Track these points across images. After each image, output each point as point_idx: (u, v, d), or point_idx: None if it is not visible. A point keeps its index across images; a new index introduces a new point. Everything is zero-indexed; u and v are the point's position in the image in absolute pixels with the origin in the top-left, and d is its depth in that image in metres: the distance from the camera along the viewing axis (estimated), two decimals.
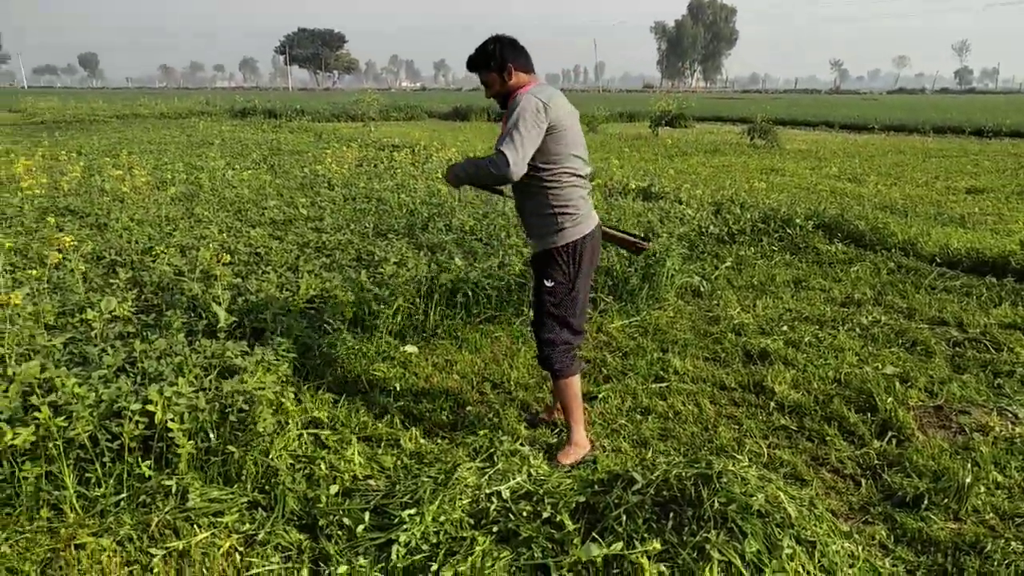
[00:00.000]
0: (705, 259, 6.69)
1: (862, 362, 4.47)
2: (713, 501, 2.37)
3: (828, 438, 3.56)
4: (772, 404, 3.93)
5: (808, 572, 2.27)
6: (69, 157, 11.91)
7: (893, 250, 7.16)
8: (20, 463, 2.81)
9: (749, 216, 7.68)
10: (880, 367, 4.36)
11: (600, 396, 4.01)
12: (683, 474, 2.51)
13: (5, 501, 2.78)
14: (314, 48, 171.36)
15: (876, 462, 3.34)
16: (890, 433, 3.57)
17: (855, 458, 3.38)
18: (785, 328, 5.08)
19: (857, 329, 5.06)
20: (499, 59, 3.07)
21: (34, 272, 4.67)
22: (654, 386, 4.17)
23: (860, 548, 2.62)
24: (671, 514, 2.41)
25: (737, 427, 3.71)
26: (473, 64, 3.16)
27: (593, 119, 24.46)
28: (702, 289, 5.93)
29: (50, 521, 2.78)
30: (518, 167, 2.85)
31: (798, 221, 7.57)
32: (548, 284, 3.19)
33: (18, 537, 2.66)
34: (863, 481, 3.20)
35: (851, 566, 2.44)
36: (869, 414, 3.78)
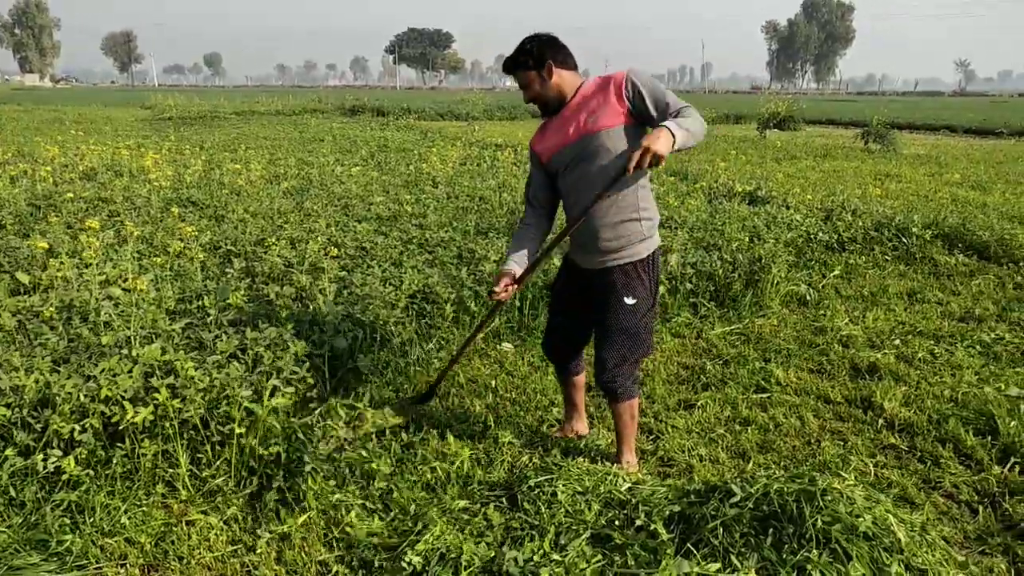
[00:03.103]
0: (813, 267, 6.45)
1: (982, 381, 4.20)
2: (816, 519, 2.28)
3: (942, 460, 3.37)
4: (880, 421, 3.76)
5: None
6: (192, 151, 12.60)
7: (1021, 263, 6.71)
8: (140, 440, 2.99)
9: (861, 223, 7.35)
10: (1003, 388, 4.08)
11: (698, 404, 3.94)
12: (784, 489, 2.43)
13: (125, 475, 2.96)
14: (422, 48, 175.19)
15: (996, 489, 3.14)
16: (1013, 459, 3.34)
17: (972, 484, 3.19)
18: (897, 342, 4.84)
19: (978, 346, 4.77)
20: (537, 56, 2.81)
21: (158, 259, 4.96)
22: (755, 396, 4.06)
23: None
24: (770, 530, 2.33)
25: (842, 443, 3.56)
26: (510, 65, 2.91)
27: None
28: (808, 298, 5.72)
29: (164, 497, 2.96)
30: None
31: (915, 230, 7.18)
32: (630, 302, 2.88)
33: (136, 510, 2.85)
34: (980, 509, 3.01)
35: None
36: (989, 437, 3.55)
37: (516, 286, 2.96)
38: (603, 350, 3.00)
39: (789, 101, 24.83)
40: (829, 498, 2.36)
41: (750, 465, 3.31)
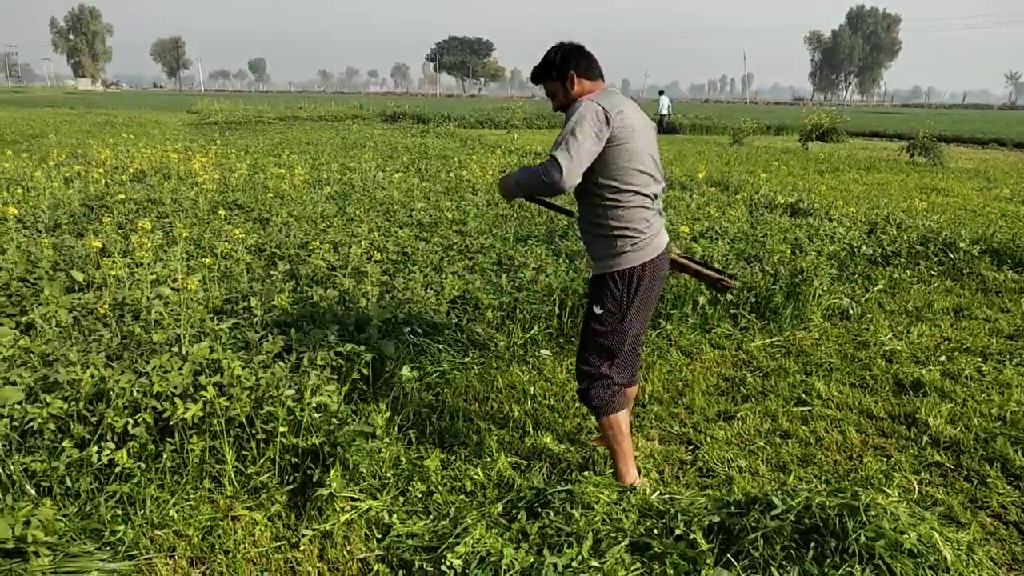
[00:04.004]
0: (856, 280, 6.36)
1: None
2: (859, 534, 2.26)
3: (989, 480, 3.30)
4: (925, 438, 3.69)
5: None
6: (237, 155, 12.87)
7: None
8: (188, 436, 3.07)
9: (906, 237, 7.23)
10: None
11: (738, 416, 3.91)
12: (826, 503, 2.41)
13: (174, 470, 3.05)
14: (462, 55, 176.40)
15: None
16: None
17: (1020, 504, 3.13)
18: (943, 358, 4.76)
19: None
20: (559, 66, 2.86)
21: (206, 261, 5.09)
22: (795, 409, 4.02)
23: None
24: (812, 544, 2.32)
25: (885, 459, 3.51)
26: (536, 75, 2.98)
27: (738, 131, 23.77)
28: (851, 311, 5.65)
29: (211, 492, 3.04)
30: (571, 176, 2.59)
31: (962, 245, 7.05)
32: (597, 311, 2.92)
33: (184, 504, 2.92)
34: None
35: None
36: None
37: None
38: (577, 358, 3.09)
39: (832, 113, 24.53)
40: (873, 513, 2.34)
41: (791, 478, 3.28)
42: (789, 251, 6.06)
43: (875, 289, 6.18)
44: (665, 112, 29.08)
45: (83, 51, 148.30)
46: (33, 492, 2.75)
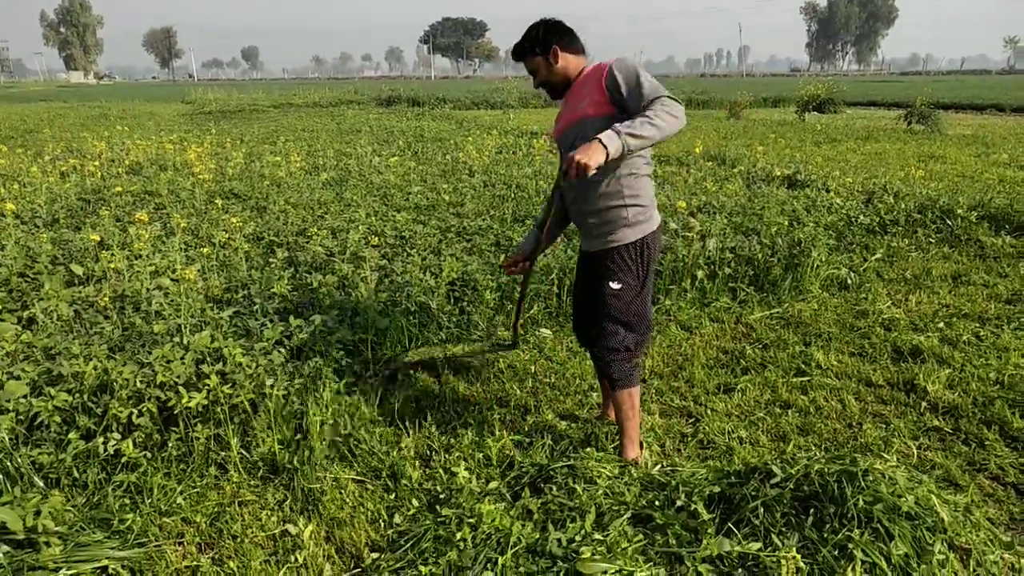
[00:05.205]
0: (854, 250, 6.37)
1: None
2: (858, 499, 2.29)
3: (987, 443, 3.33)
4: (924, 404, 3.72)
5: None
6: (233, 144, 12.83)
7: None
8: (193, 424, 3.11)
9: (903, 206, 7.22)
10: None
11: (738, 388, 3.94)
12: (825, 470, 2.44)
13: (180, 458, 3.08)
14: (456, 37, 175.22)
15: None
16: None
17: (1018, 465, 3.16)
18: (941, 325, 4.78)
19: None
20: (543, 41, 2.85)
21: (204, 250, 5.10)
22: (795, 380, 4.04)
23: (1023, 560, 2.46)
24: (811, 510, 2.35)
25: (884, 426, 3.54)
26: (518, 51, 2.95)
27: (735, 105, 23.62)
28: (849, 281, 5.66)
29: (217, 479, 3.07)
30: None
31: (959, 211, 7.04)
32: (615, 287, 2.89)
33: (191, 491, 2.96)
34: None
35: None
36: None
37: (526, 263, 3.26)
38: (596, 336, 3.02)
39: (829, 83, 24.40)
40: (871, 478, 2.37)
41: (790, 447, 3.31)
42: (787, 223, 6.06)
43: (873, 258, 6.19)
44: None
45: (74, 44, 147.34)
46: (41, 484, 2.78)
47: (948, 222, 7.02)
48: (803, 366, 4.20)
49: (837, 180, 8.57)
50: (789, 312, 5.08)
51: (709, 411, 3.70)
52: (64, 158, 10.49)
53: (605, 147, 2.50)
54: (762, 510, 2.39)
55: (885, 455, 3.03)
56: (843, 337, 4.63)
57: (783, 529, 2.31)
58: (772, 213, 6.42)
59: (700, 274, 5.21)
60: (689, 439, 3.43)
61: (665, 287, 5.19)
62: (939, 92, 27.65)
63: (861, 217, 6.87)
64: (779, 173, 8.88)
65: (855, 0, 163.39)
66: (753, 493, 2.47)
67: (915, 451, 3.29)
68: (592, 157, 2.50)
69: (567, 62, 2.87)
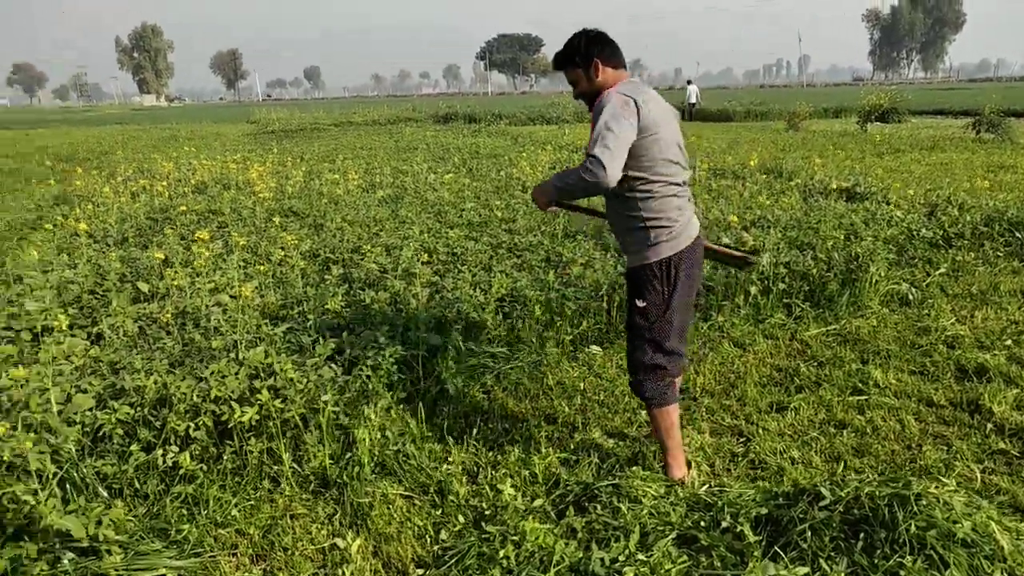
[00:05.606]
0: (915, 265, 6.18)
1: None
2: (910, 524, 2.22)
3: None
4: (989, 425, 3.58)
5: None
6: (293, 163, 13.18)
7: None
8: (247, 438, 3.20)
9: (969, 218, 6.97)
10: None
11: (791, 406, 3.86)
12: (876, 493, 2.38)
13: (235, 471, 3.18)
14: (512, 52, 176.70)
15: None
16: None
17: None
18: (1008, 342, 4.60)
19: None
20: (584, 53, 2.84)
21: (262, 267, 5.24)
22: (851, 399, 3.94)
23: None
24: (861, 535, 2.29)
25: (946, 448, 3.42)
26: (558, 61, 2.96)
27: (794, 116, 23.18)
28: (911, 297, 5.49)
29: (270, 491, 3.16)
30: (614, 171, 2.56)
31: None
32: (640, 304, 2.91)
33: (245, 503, 3.05)
34: None
35: None
36: None
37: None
38: (628, 352, 3.08)
39: (892, 92, 23.78)
40: (924, 503, 2.30)
41: (843, 469, 3.22)
42: (843, 237, 5.92)
43: (936, 273, 5.99)
44: (694, 101, 30.44)
45: (147, 68, 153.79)
46: (105, 494, 2.90)
47: (1018, 235, 6.75)
48: (860, 384, 4.09)
49: (898, 192, 8.34)
50: (846, 329, 4.96)
51: (761, 430, 3.64)
52: (135, 178, 10.94)
53: (549, 191, 2.85)
54: (810, 533, 2.34)
55: (943, 479, 2.93)
56: (903, 355, 4.50)
57: (832, 553, 2.26)
58: (828, 227, 6.28)
59: (753, 290, 5.13)
60: (739, 459, 3.38)
61: (718, 303, 5.13)
62: (1010, 99, 26.62)
63: (923, 230, 6.66)
64: (837, 186, 8.69)
65: (919, 5, 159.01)
66: (801, 516, 2.42)
67: (979, 475, 3.17)
68: (538, 200, 2.94)
69: (606, 76, 2.86)
